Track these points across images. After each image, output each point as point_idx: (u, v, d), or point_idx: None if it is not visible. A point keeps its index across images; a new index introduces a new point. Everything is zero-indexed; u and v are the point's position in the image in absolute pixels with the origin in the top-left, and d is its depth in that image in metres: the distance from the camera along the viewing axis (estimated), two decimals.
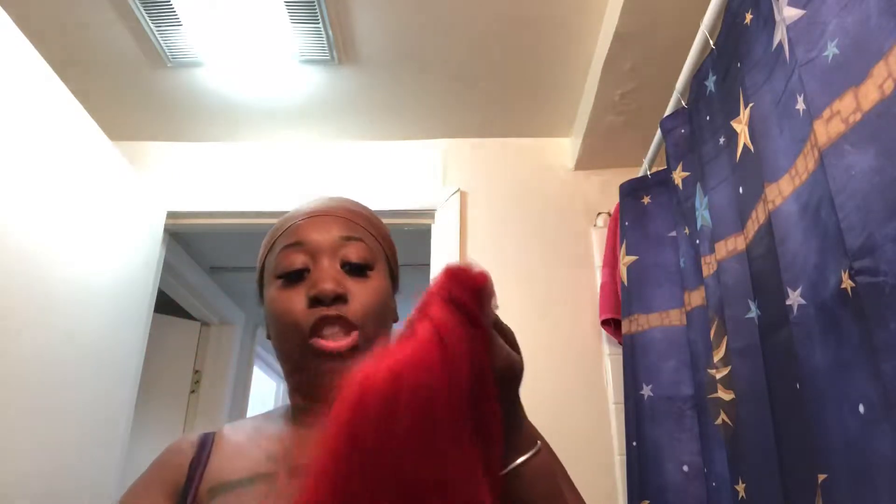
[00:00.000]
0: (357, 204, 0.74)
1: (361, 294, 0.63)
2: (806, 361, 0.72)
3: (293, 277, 0.64)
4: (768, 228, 0.83)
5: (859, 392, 0.62)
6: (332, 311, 0.61)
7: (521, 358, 0.49)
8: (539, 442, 0.53)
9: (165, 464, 0.66)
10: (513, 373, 0.48)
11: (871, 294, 0.60)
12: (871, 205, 0.61)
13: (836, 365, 0.67)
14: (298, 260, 0.64)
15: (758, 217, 0.88)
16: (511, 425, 0.50)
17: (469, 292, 0.44)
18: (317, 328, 0.61)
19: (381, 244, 0.70)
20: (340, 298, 0.62)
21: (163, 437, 2.63)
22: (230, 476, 0.60)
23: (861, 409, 0.62)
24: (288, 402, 0.70)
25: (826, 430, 0.68)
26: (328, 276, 0.62)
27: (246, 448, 0.64)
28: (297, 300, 0.62)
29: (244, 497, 0.58)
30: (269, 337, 0.69)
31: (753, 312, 0.91)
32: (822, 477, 0.68)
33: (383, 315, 0.65)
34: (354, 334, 0.61)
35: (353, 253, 0.65)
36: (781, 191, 0.80)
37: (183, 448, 0.66)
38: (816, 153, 0.70)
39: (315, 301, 0.61)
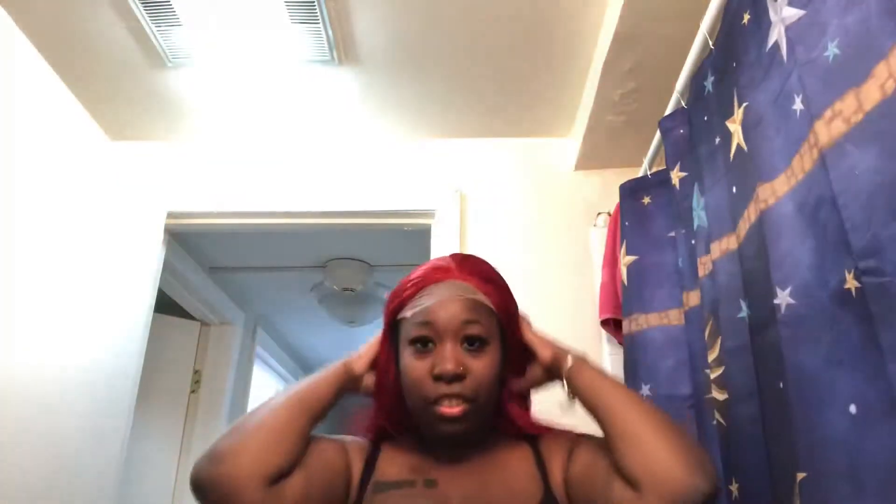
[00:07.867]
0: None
1: (477, 371, 0.80)
2: (791, 360, 0.73)
3: (421, 348, 0.82)
4: (759, 228, 0.83)
5: (853, 392, 0.62)
6: (452, 388, 0.79)
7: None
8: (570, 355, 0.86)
9: (354, 444, 0.86)
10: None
11: (876, 294, 0.60)
12: (874, 205, 0.61)
13: (826, 364, 0.67)
14: (427, 335, 0.82)
15: (749, 216, 0.88)
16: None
17: None
18: (438, 400, 0.79)
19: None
20: (458, 378, 0.79)
21: (163, 437, 2.64)
22: (386, 478, 0.82)
23: (853, 409, 0.62)
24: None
25: (809, 430, 0.68)
26: (450, 358, 0.79)
27: (398, 459, 0.85)
28: (424, 371, 0.80)
29: (395, 495, 0.79)
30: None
31: (744, 312, 0.91)
32: (800, 476, 0.68)
33: (493, 384, 0.83)
34: (467, 405, 0.79)
35: (473, 332, 0.81)
36: (775, 190, 0.80)
37: (363, 444, 0.87)
38: (815, 153, 0.70)
39: (438, 378, 0.79)
